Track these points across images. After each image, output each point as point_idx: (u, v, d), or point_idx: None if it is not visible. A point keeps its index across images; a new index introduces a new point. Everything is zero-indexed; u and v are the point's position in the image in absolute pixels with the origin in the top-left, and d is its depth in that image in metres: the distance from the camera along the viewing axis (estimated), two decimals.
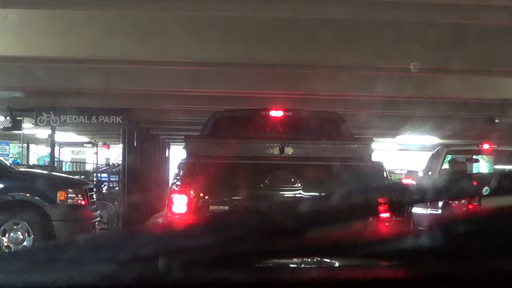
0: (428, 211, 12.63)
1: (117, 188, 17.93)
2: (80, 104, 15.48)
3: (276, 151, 7.86)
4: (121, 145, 18.22)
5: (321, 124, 8.99)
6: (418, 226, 12.38)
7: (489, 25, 8.68)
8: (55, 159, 18.27)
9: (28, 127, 18.17)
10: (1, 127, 17.27)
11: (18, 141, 20.48)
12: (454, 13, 7.83)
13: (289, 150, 7.85)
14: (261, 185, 7.58)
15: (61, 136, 19.25)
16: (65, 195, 11.34)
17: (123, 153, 17.95)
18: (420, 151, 25.79)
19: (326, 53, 9.44)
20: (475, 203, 9.27)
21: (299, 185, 7.55)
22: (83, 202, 11.50)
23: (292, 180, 7.60)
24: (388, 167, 10.96)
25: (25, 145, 20.00)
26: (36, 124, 17.00)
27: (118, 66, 11.23)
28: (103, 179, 18.57)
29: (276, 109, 9.18)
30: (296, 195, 7.46)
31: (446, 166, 13.88)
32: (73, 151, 25.89)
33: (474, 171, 15.86)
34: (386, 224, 6.23)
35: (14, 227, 11.08)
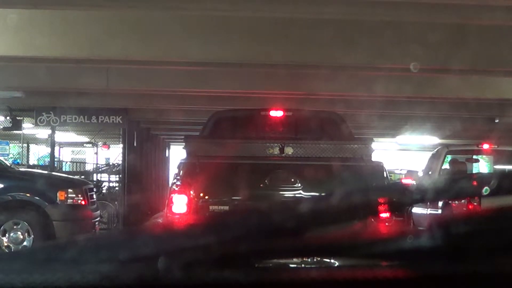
0: (428, 211, 12.63)
1: (117, 188, 17.93)
2: (80, 104, 15.47)
3: (276, 151, 7.86)
4: (121, 145, 18.21)
5: (321, 124, 8.99)
6: (418, 226, 12.39)
7: (489, 25, 8.68)
8: (55, 159, 18.27)
9: (28, 127, 18.17)
10: (1, 127, 17.27)
11: (18, 141, 20.47)
12: (454, 13, 7.83)
13: (289, 150, 7.85)
14: (261, 185, 7.58)
15: (61, 136, 19.25)
16: (65, 195, 11.33)
17: (123, 153, 17.95)
18: (420, 151, 25.80)
19: (326, 53, 9.43)
20: (475, 203, 9.27)
21: (299, 185, 7.55)
22: (83, 202, 11.50)
23: (292, 180, 7.60)
24: (388, 167, 10.96)
25: (25, 145, 20.00)
26: (36, 124, 17.00)
27: (118, 66, 11.24)
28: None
29: (276, 109, 9.18)
30: (296, 195, 7.46)
31: (446, 166, 13.88)
32: (73, 151, 25.88)
33: (474, 171, 15.85)
34: (386, 224, 6.24)
35: (14, 227, 11.08)
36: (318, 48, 9.26)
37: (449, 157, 14.30)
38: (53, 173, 14.61)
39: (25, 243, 10.98)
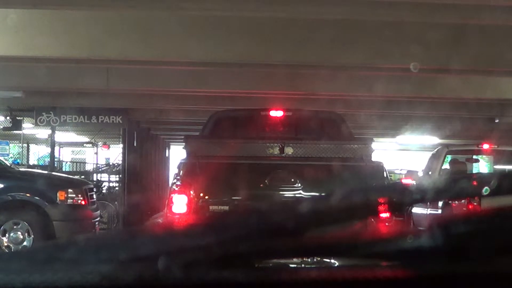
0: (428, 211, 12.63)
1: (117, 188, 17.93)
2: (80, 104, 15.49)
3: (276, 151, 7.86)
4: (121, 145, 18.22)
5: (321, 124, 9.00)
6: (418, 226, 12.38)
7: (489, 25, 8.68)
8: (55, 159, 18.27)
9: (28, 127, 18.17)
10: (1, 127, 17.27)
11: (18, 141, 20.49)
12: (454, 13, 7.83)
13: (289, 150, 7.85)
14: (261, 185, 7.58)
15: (61, 136, 19.25)
16: (65, 195, 11.34)
17: (123, 153, 17.95)
18: (420, 151, 25.80)
19: (326, 53, 9.43)
20: (475, 203, 9.27)
21: (299, 185, 7.55)
22: (83, 202, 11.50)
23: (292, 180, 7.59)
24: (388, 167, 10.96)
25: (25, 145, 20.01)
26: (36, 124, 17.00)
27: (118, 66, 11.24)
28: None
29: (276, 109, 9.19)
30: (296, 195, 7.45)
31: (446, 166, 13.88)
32: (73, 151, 25.90)
33: (474, 171, 15.85)
34: (386, 224, 6.24)
35: (14, 227, 11.08)
36: (318, 48, 9.26)
37: (449, 157, 14.30)
38: (53, 173, 14.61)
39: (25, 243, 10.98)
